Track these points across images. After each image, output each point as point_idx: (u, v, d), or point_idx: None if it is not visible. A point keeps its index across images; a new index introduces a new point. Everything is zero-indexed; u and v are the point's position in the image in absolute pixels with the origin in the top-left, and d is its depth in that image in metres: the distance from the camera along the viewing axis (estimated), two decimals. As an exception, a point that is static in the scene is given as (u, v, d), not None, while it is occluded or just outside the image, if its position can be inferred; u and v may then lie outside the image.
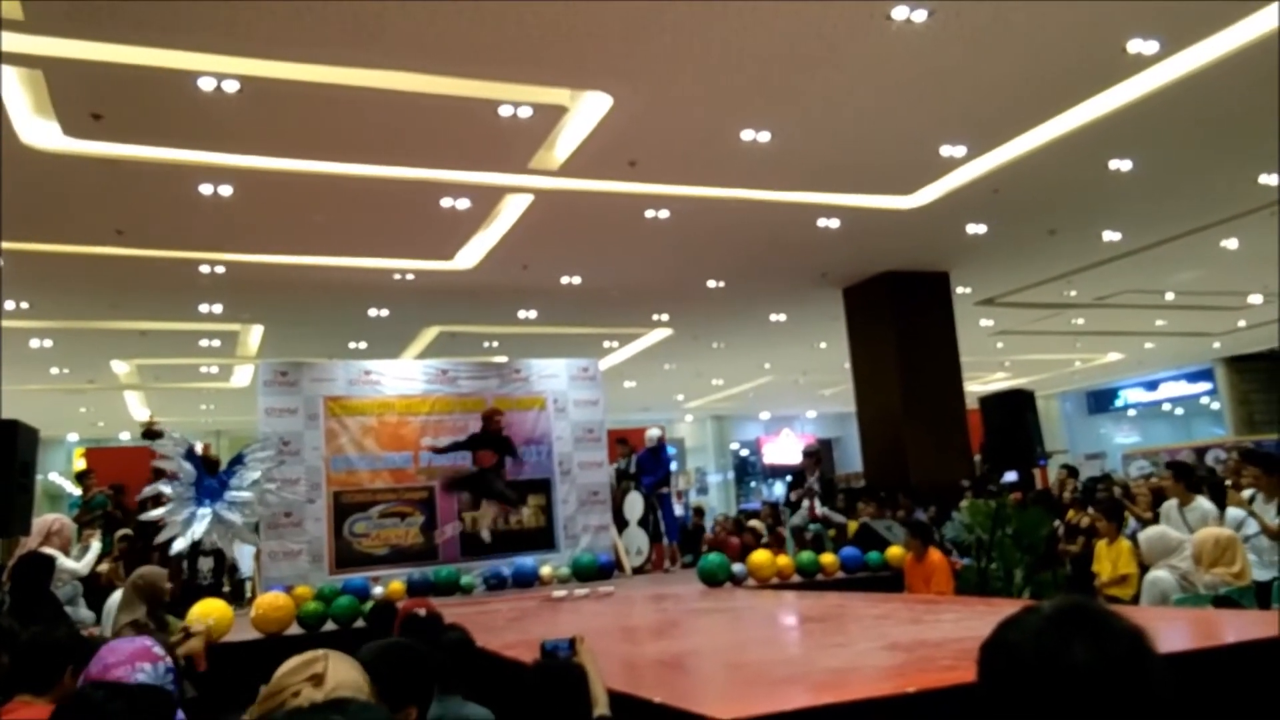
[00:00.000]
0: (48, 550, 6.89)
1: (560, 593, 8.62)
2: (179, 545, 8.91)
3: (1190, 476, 7.43)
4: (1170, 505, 7.27)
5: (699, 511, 15.19)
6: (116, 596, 6.28)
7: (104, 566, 8.49)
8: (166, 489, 9.21)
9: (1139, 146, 8.62)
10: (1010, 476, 8.79)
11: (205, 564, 9.33)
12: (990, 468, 8.88)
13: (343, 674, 1.98)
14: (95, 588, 8.04)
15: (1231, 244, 11.99)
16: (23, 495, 5.87)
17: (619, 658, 4.39)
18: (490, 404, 11.09)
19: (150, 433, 10.27)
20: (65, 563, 7.02)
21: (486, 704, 3.30)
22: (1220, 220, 11.01)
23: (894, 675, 3.41)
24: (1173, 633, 3.73)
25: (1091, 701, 1.13)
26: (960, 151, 8.50)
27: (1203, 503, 7.07)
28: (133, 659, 2.19)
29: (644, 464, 11.71)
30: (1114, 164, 8.95)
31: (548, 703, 2.76)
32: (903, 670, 3.48)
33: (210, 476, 9.47)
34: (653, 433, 11.97)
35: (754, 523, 12.43)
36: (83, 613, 7.08)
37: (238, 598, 9.89)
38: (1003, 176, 9.04)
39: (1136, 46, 6.71)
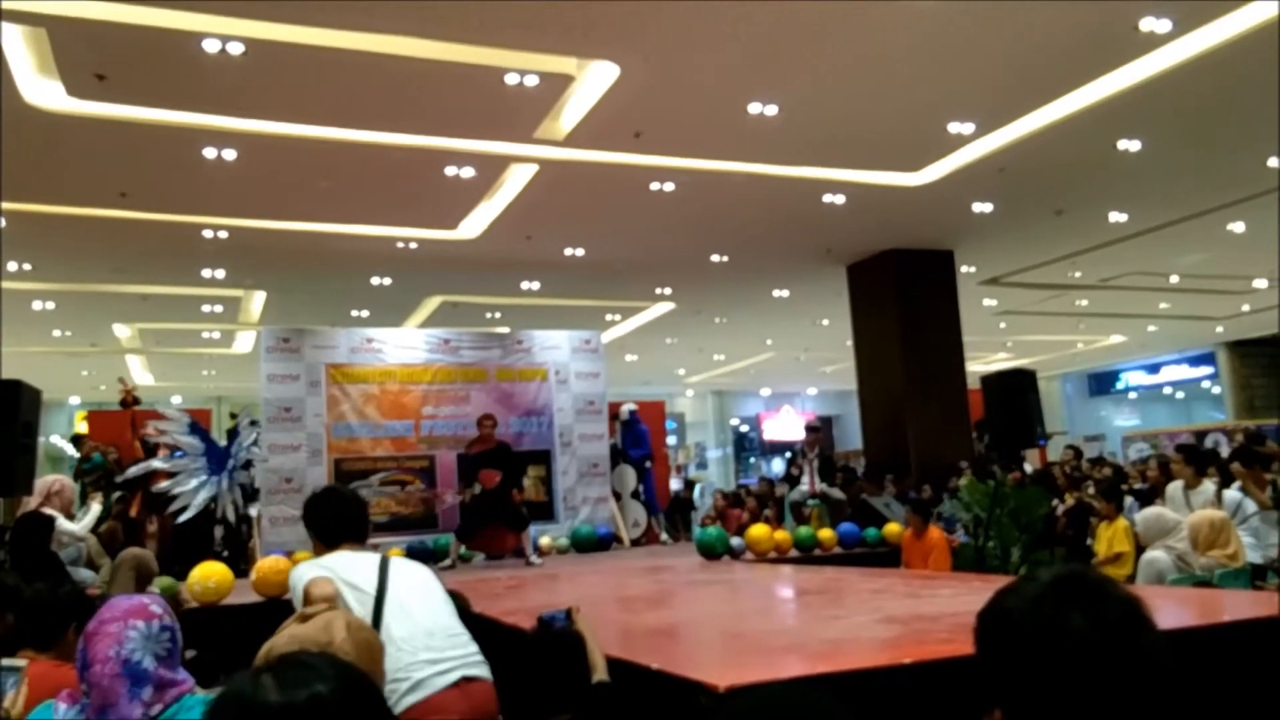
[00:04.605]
0: (47, 511, 6.93)
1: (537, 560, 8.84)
2: (188, 514, 9.07)
3: (1200, 460, 7.44)
4: (1176, 487, 7.29)
5: (689, 485, 15.13)
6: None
7: (104, 527, 8.56)
8: (161, 464, 9.31)
9: (1148, 127, 8.56)
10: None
11: (216, 531, 9.45)
12: (989, 447, 8.88)
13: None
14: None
15: (1238, 227, 11.94)
16: (25, 455, 5.88)
17: (616, 626, 4.41)
18: (492, 376, 11.11)
19: (127, 402, 10.21)
20: (65, 525, 7.05)
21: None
22: (1228, 203, 10.95)
23: (890, 647, 3.42)
24: (1166, 611, 3.74)
25: (1088, 668, 1.14)
26: (968, 129, 8.45)
27: (1209, 487, 7.09)
28: (127, 615, 2.20)
29: (625, 439, 11.75)
30: (1123, 144, 8.89)
31: (548, 668, 2.78)
32: (899, 642, 3.50)
33: (218, 446, 9.62)
34: (626, 408, 11.94)
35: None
36: (84, 573, 7.12)
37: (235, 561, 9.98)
38: (1010, 155, 8.99)
39: (1149, 25, 6.65)
